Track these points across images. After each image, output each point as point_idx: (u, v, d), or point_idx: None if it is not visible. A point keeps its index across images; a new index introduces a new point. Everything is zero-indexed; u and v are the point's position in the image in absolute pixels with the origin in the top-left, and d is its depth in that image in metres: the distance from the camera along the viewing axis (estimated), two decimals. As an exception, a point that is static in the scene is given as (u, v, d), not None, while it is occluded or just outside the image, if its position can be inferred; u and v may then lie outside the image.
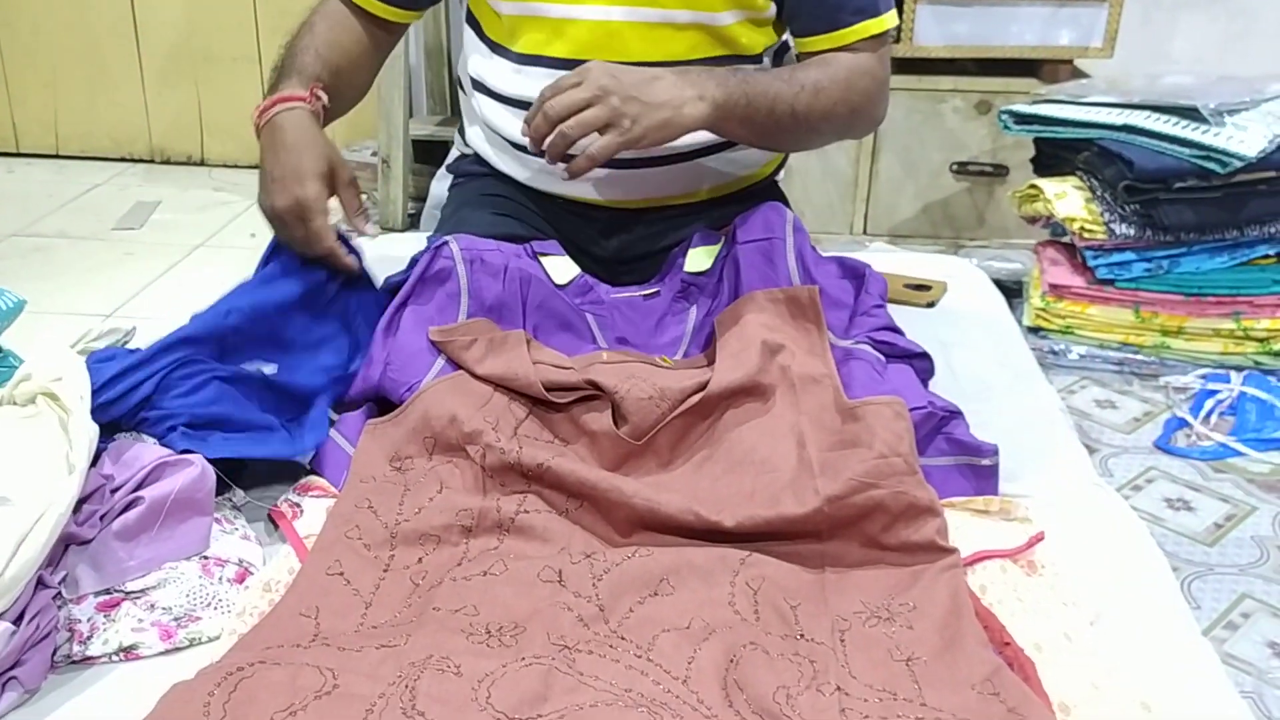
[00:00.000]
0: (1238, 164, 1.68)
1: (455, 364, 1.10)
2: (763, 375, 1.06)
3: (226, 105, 3.18)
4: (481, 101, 1.31)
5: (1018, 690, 0.76)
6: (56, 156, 3.29)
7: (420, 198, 2.76)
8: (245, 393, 1.04)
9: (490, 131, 1.33)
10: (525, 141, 1.22)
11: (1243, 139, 1.69)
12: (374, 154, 2.97)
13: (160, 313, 2.33)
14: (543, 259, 1.23)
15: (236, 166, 3.23)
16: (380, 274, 1.31)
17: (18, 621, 0.79)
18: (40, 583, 0.81)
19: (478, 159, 1.40)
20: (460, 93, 1.42)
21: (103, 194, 3.05)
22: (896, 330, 1.14)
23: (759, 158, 1.34)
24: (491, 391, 1.06)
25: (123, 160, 3.27)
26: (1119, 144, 1.78)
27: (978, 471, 1.04)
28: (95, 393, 0.94)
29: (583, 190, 1.28)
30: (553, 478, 0.97)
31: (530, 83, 1.22)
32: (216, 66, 3.15)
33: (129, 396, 0.97)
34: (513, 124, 1.27)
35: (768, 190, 1.40)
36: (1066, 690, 0.79)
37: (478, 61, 1.30)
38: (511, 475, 0.99)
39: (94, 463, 0.88)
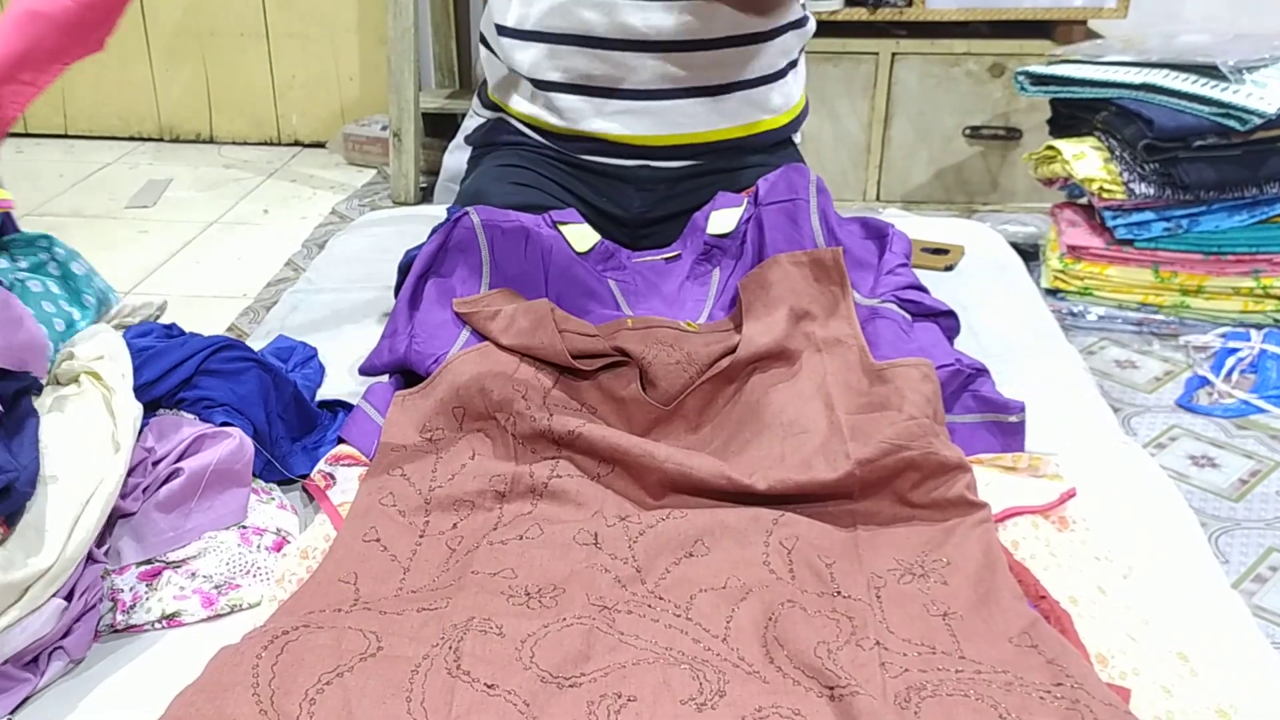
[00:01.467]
0: (1258, 121, 1.67)
1: (481, 335, 1.10)
2: (789, 340, 1.07)
3: (234, 82, 3.17)
4: (506, 45, 1.31)
5: (1055, 642, 0.77)
6: (65, 136, 3.29)
7: (432, 171, 2.76)
8: (279, 395, 1.04)
9: (515, 75, 1.33)
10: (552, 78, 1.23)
11: (1262, 95, 1.68)
12: (384, 128, 2.97)
13: (181, 290, 2.34)
14: (562, 228, 1.23)
15: (246, 144, 3.23)
16: (397, 247, 1.31)
17: (69, 597, 0.79)
18: (89, 558, 0.82)
19: (498, 123, 1.39)
20: (483, 49, 1.42)
21: (113, 173, 3.05)
22: (922, 289, 1.14)
23: (779, 103, 1.35)
24: (518, 361, 1.06)
25: (132, 139, 3.26)
26: (1138, 103, 1.77)
27: (1004, 428, 1.05)
28: (136, 371, 0.94)
29: (607, 126, 1.29)
30: (584, 444, 0.98)
31: (553, 15, 1.23)
32: (223, 42, 3.14)
33: (169, 377, 0.97)
34: (537, 59, 1.28)
35: (786, 146, 1.40)
36: (1103, 642, 0.80)
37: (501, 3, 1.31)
38: (543, 442, 1.00)
39: (137, 437, 0.89)
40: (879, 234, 1.19)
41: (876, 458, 0.92)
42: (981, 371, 1.07)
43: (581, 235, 1.24)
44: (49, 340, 0.91)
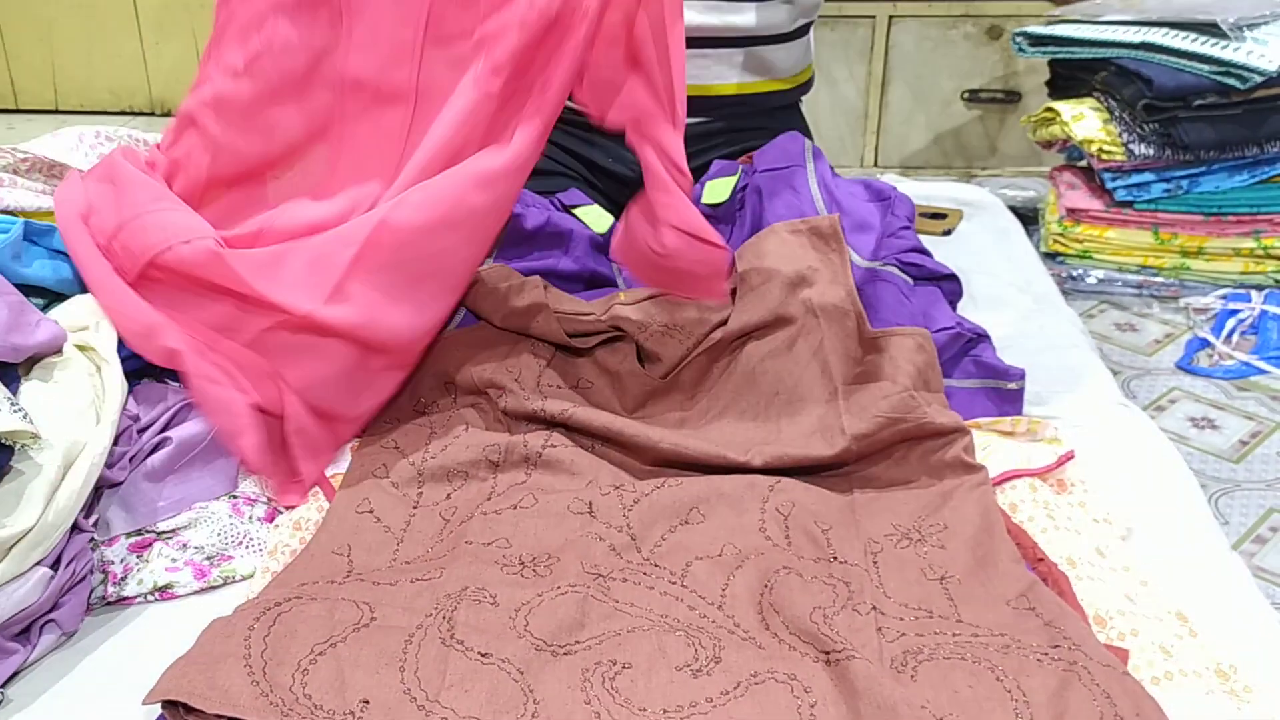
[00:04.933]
0: (1258, 79, 1.64)
1: (475, 313, 1.09)
2: (784, 308, 1.06)
3: (225, 54, 3.14)
4: None
5: (1053, 604, 0.76)
6: (56, 112, 3.26)
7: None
8: None
9: None
10: None
11: (1263, 53, 1.66)
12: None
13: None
14: (576, 211, 1.20)
15: (238, 117, 3.20)
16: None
17: (55, 566, 0.79)
18: (75, 527, 0.81)
19: None
20: None
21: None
22: (924, 252, 1.13)
23: (790, 65, 1.33)
24: (513, 340, 1.06)
25: (123, 113, 3.24)
26: (1137, 62, 1.75)
27: (1003, 395, 1.04)
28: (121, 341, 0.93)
29: None
30: (578, 424, 0.97)
31: None
32: (213, 14, 3.10)
33: None
34: None
35: (792, 112, 1.38)
36: (1101, 604, 0.79)
37: None
38: (534, 421, 0.99)
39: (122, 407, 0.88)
40: (882, 196, 1.18)
41: (872, 432, 0.92)
42: (982, 337, 1.06)
43: (597, 217, 1.21)
44: (64, 331, 0.90)
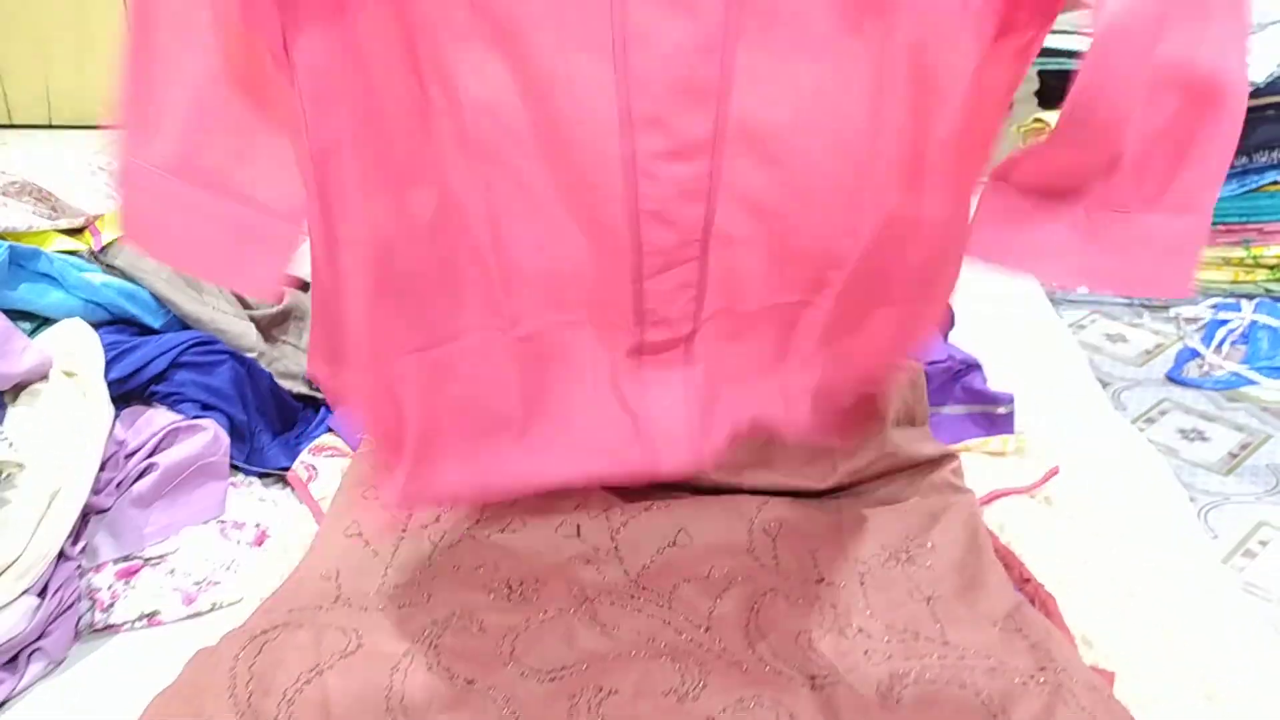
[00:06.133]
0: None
1: None
2: None
3: (218, 68, 3.14)
4: None
5: (1040, 625, 0.76)
6: (50, 127, 3.26)
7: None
8: (255, 388, 1.02)
9: None
10: None
11: (1250, 63, 1.66)
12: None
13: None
14: None
15: (231, 130, 3.20)
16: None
17: (42, 594, 0.79)
18: (62, 555, 0.81)
19: None
20: None
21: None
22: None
23: None
24: None
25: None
26: (1125, 73, 1.76)
27: (992, 419, 1.04)
28: (108, 366, 0.93)
29: None
30: None
31: None
32: None
33: (142, 372, 0.96)
34: None
35: None
36: (1088, 623, 0.79)
37: None
38: None
39: (109, 433, 0.88)
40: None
41: (864, 466, 0.92)
42: (974, 366, 1.06)
43: None
44: (51, 357, 0.90)
